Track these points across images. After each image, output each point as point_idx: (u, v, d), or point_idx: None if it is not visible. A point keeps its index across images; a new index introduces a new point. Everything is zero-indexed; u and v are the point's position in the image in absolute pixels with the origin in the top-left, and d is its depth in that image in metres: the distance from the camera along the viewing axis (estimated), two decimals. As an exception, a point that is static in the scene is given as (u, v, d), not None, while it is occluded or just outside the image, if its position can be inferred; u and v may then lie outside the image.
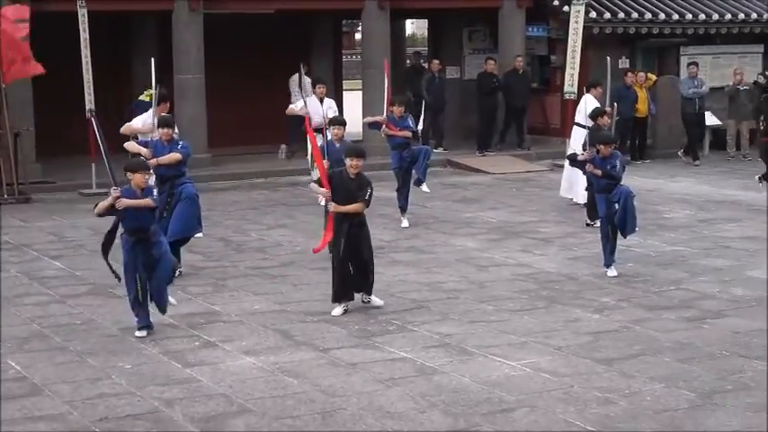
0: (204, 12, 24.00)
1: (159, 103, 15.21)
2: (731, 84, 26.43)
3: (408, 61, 34.96)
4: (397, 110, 17.49)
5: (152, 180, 12.47)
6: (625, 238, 14.09)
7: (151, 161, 13.10)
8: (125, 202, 10.87)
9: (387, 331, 11.32)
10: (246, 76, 26.12)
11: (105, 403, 9.16)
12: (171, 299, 11.56)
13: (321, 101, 18.36)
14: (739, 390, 9.36)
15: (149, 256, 11.13)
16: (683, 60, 28.12)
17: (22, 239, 16.94)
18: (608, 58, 19.94)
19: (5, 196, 20.73)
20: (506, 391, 9.36)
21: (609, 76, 19.65)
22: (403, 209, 17.55)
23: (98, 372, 10.07)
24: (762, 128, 24.37)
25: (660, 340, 10.90)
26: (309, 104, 17.05)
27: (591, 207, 16.76)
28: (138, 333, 11.15)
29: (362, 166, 12.09)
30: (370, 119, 18.96)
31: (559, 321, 11.69)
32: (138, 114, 16.24)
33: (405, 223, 17.40)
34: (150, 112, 15.69)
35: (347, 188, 11.87)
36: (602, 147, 14.01)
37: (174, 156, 13.65)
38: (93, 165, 20.83)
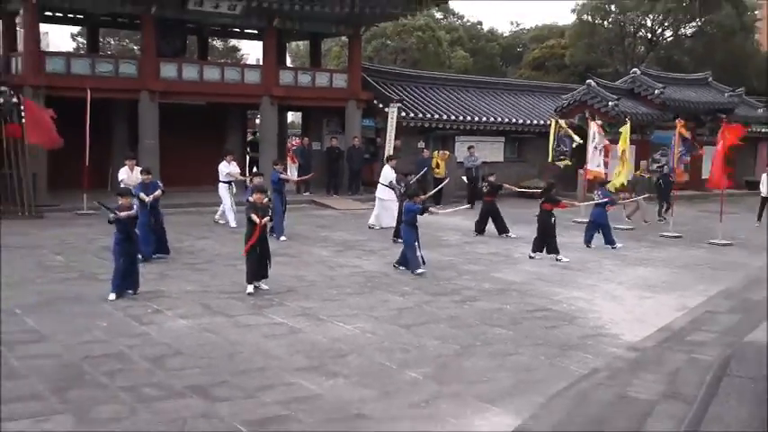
0: (159, 101, 23.58)
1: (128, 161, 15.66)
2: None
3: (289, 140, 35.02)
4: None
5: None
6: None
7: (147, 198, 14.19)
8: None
9: (270, 305, 11.30)
10: (185, 143, 25.71)
11: (88, 347, 8.98)
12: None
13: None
14: (485, 345, 9.61)
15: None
16: (458, 144, 28.75)
17: (36, 242, 16.40)
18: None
19: (26, 213, 20.10)
20: (344, 343, 9.45)
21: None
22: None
23: (84, 327, 9.84)
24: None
25: (438, 314, 11.09)
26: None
27: (397, 230, 17.10)
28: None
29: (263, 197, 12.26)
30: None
31: (378, 301, 11.81)
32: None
33: (283, 238, 17.32)
34: (126, 168, 15.80)
35: (263, 210, 11.99)
36: (417, 198, 14.58)
37: (158, 193, 14.57)
38: (84, 195, 20.35)
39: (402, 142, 26.76)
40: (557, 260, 15.72)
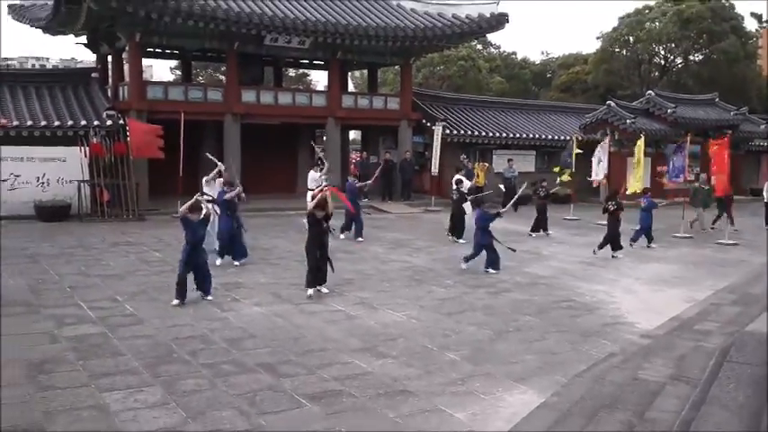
0: (241, 121, 23.83)
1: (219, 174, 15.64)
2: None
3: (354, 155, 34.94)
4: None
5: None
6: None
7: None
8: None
9: (331, 295, 11.28)
10: (264, 156, 25.97)
11: (177, 329, 9.07)
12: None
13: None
14: (516, 331, 9.47)
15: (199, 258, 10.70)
16: (495, 157, 28.39)
17: (139, 240, 16.70)
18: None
19: (131, 216, 20.50)
20: (393, 328, 9.39)
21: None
22: (343, 230, 17.51)
23: (174, 312, 9.96)
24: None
25: (476, 304, 10.96)
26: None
27: (453, 228, 17.22)
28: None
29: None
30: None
31: (423, 292, 11.72)
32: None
33: (342, 236, 17.24)
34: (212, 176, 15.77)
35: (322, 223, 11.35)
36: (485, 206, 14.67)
37: (232, 193, 14.16)
38: (179, 201, 20.53)
39: (447, 155, 26.57)
40: (612, 256, 15.63)
